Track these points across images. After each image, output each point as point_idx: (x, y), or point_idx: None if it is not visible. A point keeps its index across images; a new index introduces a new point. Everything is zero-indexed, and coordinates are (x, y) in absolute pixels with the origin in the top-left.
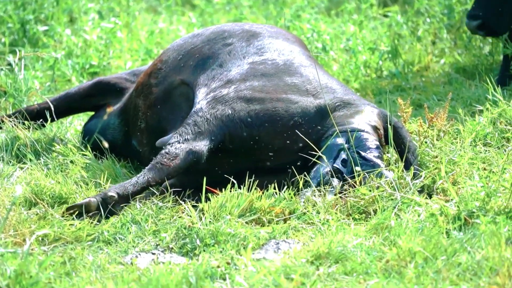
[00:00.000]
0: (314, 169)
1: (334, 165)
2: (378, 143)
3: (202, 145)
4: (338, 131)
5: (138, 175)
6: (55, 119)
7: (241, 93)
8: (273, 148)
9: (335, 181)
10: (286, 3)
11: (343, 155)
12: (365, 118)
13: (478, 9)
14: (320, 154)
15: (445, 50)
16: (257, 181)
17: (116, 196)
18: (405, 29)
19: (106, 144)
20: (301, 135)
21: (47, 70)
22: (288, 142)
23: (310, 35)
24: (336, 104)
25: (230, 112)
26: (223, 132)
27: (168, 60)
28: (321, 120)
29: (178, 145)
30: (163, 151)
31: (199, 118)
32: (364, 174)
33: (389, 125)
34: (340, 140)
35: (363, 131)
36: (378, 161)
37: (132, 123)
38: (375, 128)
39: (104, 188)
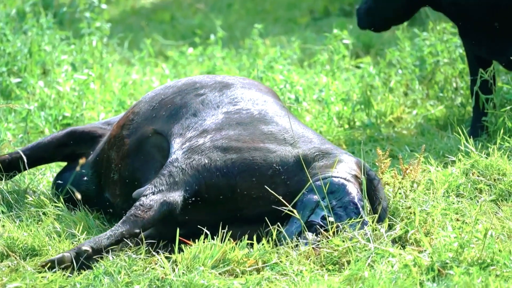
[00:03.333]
0: (289, 223)
1: (315, 220)
2: (361, 193)
3: (177, 196)
4: (313, 185)
5: (112, 228)
6: (27, 169)
7: (217, 142)
8: (251, 197)
9: (310, 235)
10: (259, 55)
11: (322, 213)
12: (346, 168)
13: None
14: (292, 210)
15: (417, 101)
16: (231, 231)
17: (90, 250)
18: (377, 80)
19: (78, 196)
20: (279, 184)
21: (20, 122)
22: (266, 191)
23: (283, 86)
24: (315, 154)
25: (206, 161)
26: (199, 182)
27: (139, 112)
28: (301, 170)
29: (153, 197)
30: (137, 203)
31: (174, 169)
32: (337, 225)
33: (363, 175)
34: (316, 197)
35: (346, 180)
36: (363, 213)
37: (104, 175)
38: (356, 177)
39: (78, 240)
